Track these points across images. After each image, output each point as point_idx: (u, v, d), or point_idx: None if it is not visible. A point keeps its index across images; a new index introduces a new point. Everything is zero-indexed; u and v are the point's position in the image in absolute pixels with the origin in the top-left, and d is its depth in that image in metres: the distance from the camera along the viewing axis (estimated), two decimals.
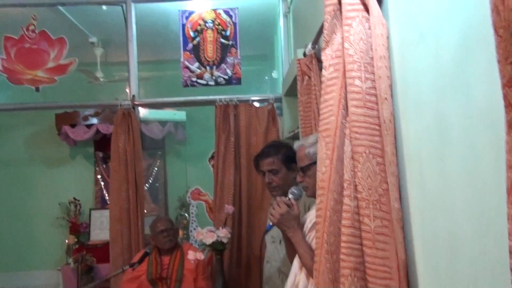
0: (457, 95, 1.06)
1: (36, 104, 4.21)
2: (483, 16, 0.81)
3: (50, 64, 3.88)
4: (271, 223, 1.96)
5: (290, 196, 1.99)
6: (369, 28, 1.47)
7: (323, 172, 1.60)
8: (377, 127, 1.42)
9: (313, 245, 1.82)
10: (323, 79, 1.64)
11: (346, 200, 1.47)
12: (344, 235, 1.45)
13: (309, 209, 2.11)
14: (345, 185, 1.48)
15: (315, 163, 1.90)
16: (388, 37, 1.46)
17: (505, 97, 0.65)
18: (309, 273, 1.79)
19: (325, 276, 1.55)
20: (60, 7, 4.21)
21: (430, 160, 1.22)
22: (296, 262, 1.92)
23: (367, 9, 1.48)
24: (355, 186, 1.43)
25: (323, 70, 1.65)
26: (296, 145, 2.05)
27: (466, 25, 1.00)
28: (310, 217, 1.91)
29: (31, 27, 3.84)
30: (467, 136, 1.02)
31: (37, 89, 3.89)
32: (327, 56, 1.63)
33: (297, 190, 2.02)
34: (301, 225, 1.94)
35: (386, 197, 1.37)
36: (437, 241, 1.19)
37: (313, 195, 1.96)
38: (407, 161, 1.37)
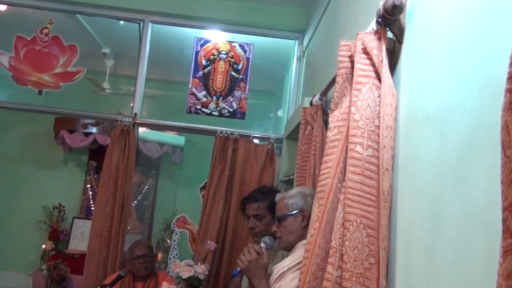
0: (455, 189, 1.02)
1: (36, 107, 4.17)
2: (494, 116, 0.78)
3: (58, 70, 3.86)
4: (238, 269, 1.99)
5: (262, 244, 2.02)
6: (378, 97, 1.45)
7: (311, 234, 1.57)
8: (373, 197, 1.38)
9: None
10: (326, 140, 1.63)
11: (329, 268, 1.42)
12: None
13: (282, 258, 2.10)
14: (330, 252, 1.43)
15: (291, 214, 1.91)
16: (396, 108, 1.43)
17: (504, 221, 0.61)
18: None
19: None
20: (78, 15, 4.23)
21: (419, 244, 1.18)
22: None
23: (378, 77, 1.46)
24: (341, 255, 1.38)
25: (328, 131, 1.63)
26: (277, 196, 2.07)
27: (474, 119, 0.97)
28: (278, 269, 1.91)
29: (45, 31, 3.84)
30: (460, 234, 0.98)
31: (40, 92, 3.86)
32: (333, 118, 1.61)
33: (270, 240, 2.07)
34: (268, 275, 1.95)
35: (372, 272, 1.32)
36: None
37: (286, 247, 1.96)
38: (398, 238, 1.32)
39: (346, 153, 1.48)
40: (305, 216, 1.93)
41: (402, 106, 1.41)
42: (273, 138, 3.93)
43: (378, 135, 1.42)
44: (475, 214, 0.93)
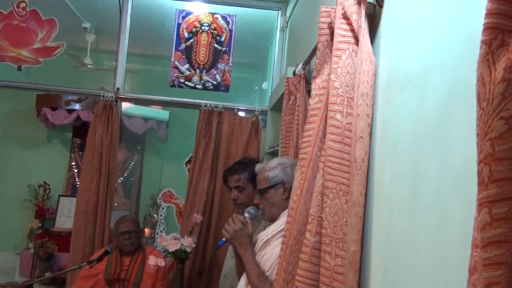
0: (434, 149, 1.02)
1: (17, 84, 4.10)
2: (472, 75, 0.78)
3: (37, 45, 3.78)
4: (224, 239, 2.02)
5: (246, 215, 2.06)
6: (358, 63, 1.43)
7: (294, 200, 1.59)
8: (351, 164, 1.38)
9: (262, 264, 1.87)
10: (308, 107, 1.62)
11: (307, 235, 1.44)
12: (300, 269, 1.42)
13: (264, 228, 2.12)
14: (309, 219, 1.44)
15: (272, 186, 1.92)
16: (375, 75, 1.42)
17: (479, 173, 0.60)
18: None
19: None
20: None
21: (400, 208, 1.18)
22: (243, 279, 1.95)
23: (358, 43, 1.44)
24: (320, 221, 1.39)
25: (310, 99, 1.62)
26: (257, 167, 2.08)
27: (454, 77, 0.96)
28: (262, 237, 1.95)
29: (22, 5, 3.73)
30: (439, 193, 0.98)
31: (19, 68, 3.78)
32: (315, 85, 1.61)
33: (253, 210, 2.10)
34: (253, 244, 1.98)
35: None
36: None
37: (269, 219, 1.99)
38: (377, 204, 1.33)
39: (326, 121, 1.48)
40: (286, 188, 1.94)
41: (382, 71, 1.40)
42: (257, 110, 3.92)
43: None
44: (454, 174, 0.93)
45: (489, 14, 0.61)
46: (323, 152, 1.45)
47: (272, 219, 1.98)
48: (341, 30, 1.46)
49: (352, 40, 1.45)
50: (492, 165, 0.59)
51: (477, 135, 0.61)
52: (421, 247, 1.04)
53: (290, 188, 1.80)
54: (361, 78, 1.36)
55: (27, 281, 3.08)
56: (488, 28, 0.60)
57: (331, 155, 1.39)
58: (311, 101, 1.61)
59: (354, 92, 1.41)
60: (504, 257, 0.58)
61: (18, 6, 3.74)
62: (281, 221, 1.87)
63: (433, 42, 1.09)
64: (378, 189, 1.34)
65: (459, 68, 0.94)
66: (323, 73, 1.60)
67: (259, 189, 2.02)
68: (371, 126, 1.37)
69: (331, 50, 1.54)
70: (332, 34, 1.55)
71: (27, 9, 3.77)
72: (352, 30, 1.44)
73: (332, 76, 1.45)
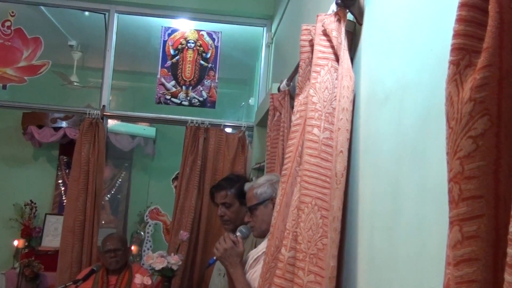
0: (413, 166, 1.03)
1: (2, 102, 4.07)
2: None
3: (22, 63, 3.77)
4: (214, 257, 2.04)
5: (237, 233, 2.06)
6: (337, 79, 1.45)
7: (274, 217, 1.59)
8: (328, 179, 1.39)
9: (253, 282, 1.87)
10: (291, 124, 1.63)
11: (282, 250, 1.44)
12: (274, 285, 1.42)
13: (255, 246, 2.11)
14: (285, 233, 1.44)
15: (261, 203, 1.92)
16: (353, 91, 1.43)
17: (450, 191, 0.61)
18: None
19: None
20: (41, 7, 4.12)
21: (381, 225, 1.19)
22: None
23: (338, 60, 1.46)
24: (295, 236, 1.39)
25: (292, 115, 1.63)
26: (246, 186, 2.08)
27: (430, 94, 0.98)
28: (252, 255, 1.96)
29: (7, 23, 3.73)
30: (418, 211, 0.99)
31: (4, 87, 3.76)
32: (298, 102, 1.62)
33: (245, 229, 2.09)
34: (243, 262, 1.98)
35: (325, 253, 1.33)
36: None
37: (259, 236, 1.99)
38: (360, 220, 1.33)
39: (305, 137, 1.48)
40: (275, 204, 1.93)
41: (363, 87, 1.41)
42: (244, 126, 3.93)
43: (335, 118, 1.42)
44: (432, 192, 0.94)
45: (456, 35, 0.62)
46: (300, 166, 1.46)
47: (263, 235, 1.98)
48: (320, 46, 1.48)
49: (332, 56, 1.46)
50: (462, 183, 0.59)
51: (447, 153, 0.62)
52: (401, 265, 1.05)
53: None
54: (341, 93, 1.37)
55: None
56: (456, 49, 0.61)
57: (308, 169, 1.40)
58: (293, 118, 1.62)
59: (332, 107, 1.42)
60: (475, 275, 0.58)
61: (3, 25, 3.74)
62: None
63: (409, 60, 1.10)
64: (360, 205, 1.34)
65: (434, 86, 0.95)
66: (305, 90, 1.61)
67: (248, 206, 2.03)
68: (350, 141, 1.38)
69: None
70: (312, 51, 1.56)
71: (12, 28, 3.77)
72: (332, 47, 1.46)
73: (311, 91, 1.46)
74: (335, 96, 1.42)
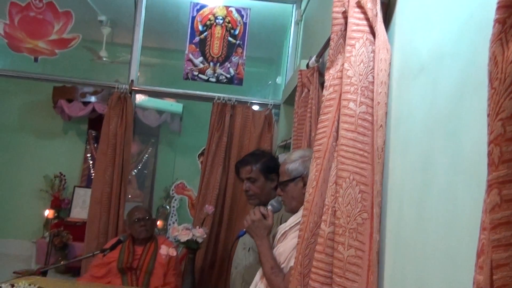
0: (446, 140, 1.01)
1: (34, 75, 4.14)
2: (484, 62, 0.77)
3: (53, 37, 3.82)
4: (244, 229, 2.03)
5: (269, 207, 2.04)
6: (372, 52, 1.43)
7: (309, 193, 1.58)
8: (366, 154, 1.37)
9: (278, 257, 1.87)
10: (322, 99, 1.61)
11: (322, 225, 1.43)
12: (315, 260, 1.42)
13: (281, 222, 2.11)
14: (324, 209, 1.44)
15: (292, 180, 1.90)
16: (390, 64, 1.41)
17: (490, 154, 0.60)
18: (268, 283, 1.83)
19: None
20: None
21: (410, 198, 1.18)
22: (259, 271, 1.95)
23: (372, 32, 1.44)
24: (334, 211, 1.39)
25: (324, 90, 1.61)
26: (281, 158, 2.05)
27: (468, 64, 0.96)
28: (281, 230, 1.94)
29: None
30: (450, 185, 0.97)
31: (36, 60, 3.83)
32: (329, 76, 1.60)
33: (276, 202, 2.07)
34: (272, 236, 1.97)
35: (365, 227, 1.33)
36: (405, 284, 1.14)
37: (290, 211, 1.97)
38: (389, 194, 1.32)
39: (340, 111, 1.47)
40: (305, 182, 1.91)
41: (396, 59, 1.39)
42: (271, 104, 3.92)
43: (372, 91, 1.40)
44: (465, 164, 0.92)
45: None
46: (337, 141, 1.45)
47: (293, 211, 1.98)
48: (355, 19, 1.46)
49: (367, 29, 1.44)
50: (503, 145, 0.58)
51: (488, 115, 0.60)
52: (431, 238, 1.04)
53: None
54: (379, 66, 1.35)
55: (42, 267, 3.12)
56: (502, 7, 0.60)
57: (345, 144, 1.39)
58: (325, 92, 1.60)
59: (368, 80, 1.40)
60: None
61: None
62: (300, 214, 1.87)
63: (446, 29, 1.08)
64: (390, 178, 1.33)
65: (473, 55, 0.93)
66: (337, 64, 1.59)
67: (279, 181, 2.02)
68: (387, 115, 1.37)
69: (345, 40, 1.53)
70: (346, 23, 1.54)
71: (44, 1, 3.81)
72: (367, 19, 1.43)
73: (346, 65, 1.44)
74: (371, 70, 1.40)
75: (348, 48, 1.46)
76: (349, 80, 1.43)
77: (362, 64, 1.44)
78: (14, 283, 2.62)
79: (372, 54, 1.43)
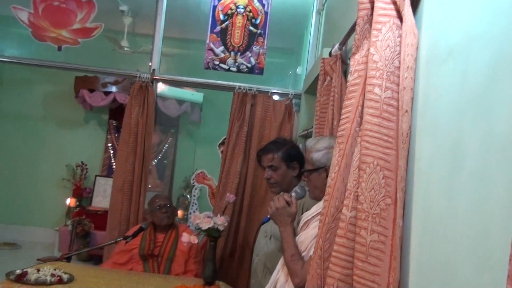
0: (478, 122, 1.00)
1: (56, 63, 4.20)
2: None
3: (76, 26, 3.86)
4: (268, 216, 2.03)
5: (292, 194, 2.03)
6: (399, 36, 1.41)
7: (332, 178, 1.58)
8: (391, 139, 1.36)
9: (300, 245, 1.87)
10: (347, 84, 1.60)
11: (343, 210, 1.43)
12: (336, 245, 1.42)
13: (303, 210, 2.11)
14: (346, 194, 1.43)
15: (315, 170, 1.90)
16: (417, 48, 1.40)
17: None
18: (287, 270, 1.84)
19: (314, 281, 1.55)
20: None
21: (439, 183, 1.17)
22: (281, 258, 1.95)
23: (399, 17, 1.42)
24: (357, 196, 1.38)
25: (348, 75, 1.60)
26: (307, 143, 2.04)
27: (501, 44, 0.94)
28: (304, 217, 1.95)
29: None
30: (482, 168, 0.96)
31: (59, 48, 3.87)
32: (354, 61, 1.58)
33: (300, 190, 2.07)
34: (296, 223, 1.98)
35: (388, 212, 1.32)
36: (432, 268, 1.14)
37: (313, 198, 1.97)
38: (416, 180, 1.31)
39: (365, 97, 1.46)
40: (328, 173, 1.91)
41: (423, 44, 1.37)
42: (291, 94, 3.90)
43: (398, 77, 1.39)
44: (498, 145, 0.91)
45: None
46: (361, 127, 1.44)
47: (316, 199, 1.98)
48: (382, 3, 1.44)
49: (394, 13, 1.42)
50: None
51: None
52: (461, 220, 1.03)
53: None
54: (406, 51, 1.34)
55: (66, 253, 3.18)
56: None
57: (369, 129, 1.38)
58: (349, 78, 1.59)
59: (394, 65, 1.39)
60: None
61: None
62: (322, 203, 1.87)
63: (477, 11, 1.06)
64: (416, 163, 1.32)
65: (507, 35, 0.92)
66: (362, 49, 1.57)
67: (304, 169, 2.02)
68: (413, 100, 1.36)
69: (371, 25, 1.52)
70: (372, 8, 1.52)
71: None
72: (394, 3, 1.42)
73: (371, 49, 1.43)
74: (397, 54, 1.39)
75: (374, 32, 1.44)
76: (374, 65, 1.42)
77: (388, 49, 1.42)
78: (39, 268, 2.68)
79: (398, 39, 1.42)
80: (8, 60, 4.60)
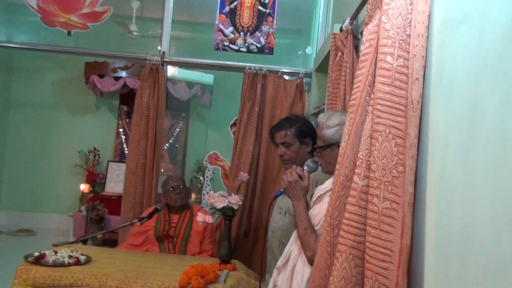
0: (495, 85, 0.99)
1: (66, 48, 4.22)
2: None
3: (85, 10, 3.86)
4: (281, 190, 2.03)
5: (305, 167, 2.03)
6: (411, 4, 1.40)
7: (342, 147, 1.59)
8: (403, 108, 1.36)
9: (313, 218, 1.88)
10: (359, 54, 1.59)
11: (355, 178, 1.44)
12: (347, 212, 1.43)
13: (316, 184, 2.11)
14: (357, 163, 1.44)
15: (328, 146, 1.90)
16: (429, 16, 1.38)
17: None
18: (300, 243, 1.85)
19: (323, 248, 1.57)
20: None
21: (456, 148, 1.16)
22: (294, 232, 1.96)
23: None
24: (369, 165, 1.39)
25: (361, 45, 1.60)
26: (319, 118, 2.03)
27: None
28: (317, 192, 1.96)
29: None
30: (500, 130, 0.95)
31: (69, 33, 3.88)
32: (367, 31, 1.58)
33: (312, 163, 2.06)
34: (309, 197, 1.99)
35: (400, 180, 1.32)
36: (450, 231, 1.14)
37: (326, 172, 1.98)
38: (431, 146, 1.31)
39: (376, 65, 1.45)
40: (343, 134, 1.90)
41: (436, 10, 1.36)
42: (302, 73, 3.89)
43: (409, 44, 1.39)
44: None
45: None
46: (372, 95, 1.44)
47: (329, 173, 1.98)
48: None
49: None
50: None
51: None
52: (479, 180, 1.02)
53: None
54: (416, 18, 1.33)
55: (82, 235, 3.23)
56: None
57: (381, 98, 1.37)
58: (361, 47, 1.58)
59: (406, 33, 1.38)
60: None
61: None
62: None
63: None
64: (432, 131, 1.32)
65: None
66: (375, 18, 1.56)
67: (316, 145, 2.01)
68: (424, 68, 1.35)
69: None
70: None
71: None
72: None
73: (383, 18, 1.41)
74: (409, 22, 1.38)
75: (386, 0, 1.43)
76: (386, 34, 1.41)
77: (400, 17, 1.41)
78: (57, 250, 2.72)
79: (410, 7, 1.41)
80: (18, 46, 4.63)
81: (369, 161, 1.38)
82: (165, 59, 3.93)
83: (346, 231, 1.43)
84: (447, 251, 1.15)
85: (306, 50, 5.26)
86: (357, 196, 1.42)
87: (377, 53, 1.45)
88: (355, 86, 1.59)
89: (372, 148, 1.37)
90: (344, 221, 1.45)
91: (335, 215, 1.55)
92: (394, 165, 1.33)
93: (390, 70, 1.39)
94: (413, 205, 1.30)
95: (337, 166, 1.59)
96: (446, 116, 1.25)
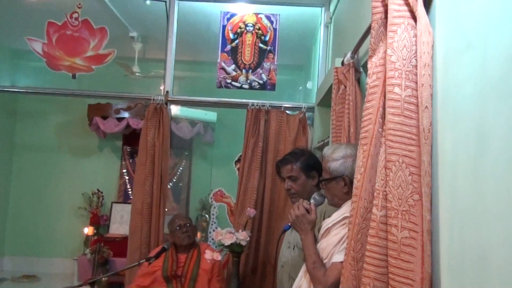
0: (500, 106, 1.01)
1: (70, 91, 4.27)
2: None
3: (89, 53, 3.94)
4: (289, 224, 2.05)
5: (311, 201, 2.05)
6: (414, 36, 1.44)
7: (358, 179, 1.60)
8: (414, 136, 1.38)
9: (321, 252, 1.88)
10: (366, 87, 1.63)
11: (374, 210, 1.44)
12: (369, 244, 1.42)
13: (324, 217, 2.11)
14: (375, 194, 1.45)
15: (333, 179, 1.91)
16: (433, 46, 1.42)
17: None
18: (310, 277, 1.86)
19: (349, 283, 1.56)
20: None
21: (465, 171, 1.18)
22: (304, 266, 1.96)
23: (413, 17, 1.45)
24: (385, 195, 1.40)
25: (367, 78, 1.63)
26: (324, 151, 2.05)
27: None
28: (324, 225, 1.95)
29: (75, 15, 3.91)
30: (508, 152, 0.97)
31: (74, 76, 3.95)
32: (372, 64, 1.61)
33: (319, 196, 2.08)
34: (317, 230, 1.99)
35: (417, 208, 1.33)
36: (464, 255, 1.14)
37: (332, 205, 1.98)
38: (441, 171, 1.32)
39: (385, 97, 1.48)
40: (346, 182, 1.90)
41: (439, 40, 1.40)
42: (304, 107, 3.93)
43: (416, 75, 1.41)
44: None
45: None
46: (384, 127, 1.46)
47: (335, 206, 1.99)
48: (395, 5, 1.47)
49: (407, 14, 1.45)
50: None
51: None
52: (489, 204, 1.03)
53: (351, 182, 1.79)
54: (422, 49, 1.36)
55: (90, 278, 3.19)
56: None
57: (392, 128, 1.40)
58: (368, 80, 1.61)
59: (412, 64, 1.41)
60: None
61: (71, 17, 3.92)
62: (343, 210, 1.88)
63: (494, 2, 1.08)
64: (440, 157, 1.33)
65: None
66: (379, 52, 1.60)
67: (321, 178, 2.02)
68: (432, 96, 1.37)
69: (385, 28, 1.55)
70: (386, 12, 1.55)
71: (80, 19, 3.94)
72: (407, 4, 1.45)
73: (389, 51, 1.45)
74: (414, 54, 1.42)
75: (390, 34, 1.47)
76: (393, 66, 1.44)
77: (405, 49, 1.45)
78: None
79: (414, 38, 1.44)
80: (22, 90, 4.69)
81: (385, 191, 1.39)
82: (169, 98, 3.99)
83: (368, 263, 1.43)
84: (461, 278, 1.15)
85: (307, 85, 5.32)
86: (377, 227, 1.42)
87: (385, 85, 1.48)
88: (365, 118, 1.61)
89: (387, 179, 1.38)
90: (366, 253, 1.45)
91: (358, 248, 1.55)
92: (409, 193, 1.34)
93: (399, 101, 1.41)
94: (431, 233, 1.30)
95: (354, 199, 1.59)
96: (453, 141, 1.27)
